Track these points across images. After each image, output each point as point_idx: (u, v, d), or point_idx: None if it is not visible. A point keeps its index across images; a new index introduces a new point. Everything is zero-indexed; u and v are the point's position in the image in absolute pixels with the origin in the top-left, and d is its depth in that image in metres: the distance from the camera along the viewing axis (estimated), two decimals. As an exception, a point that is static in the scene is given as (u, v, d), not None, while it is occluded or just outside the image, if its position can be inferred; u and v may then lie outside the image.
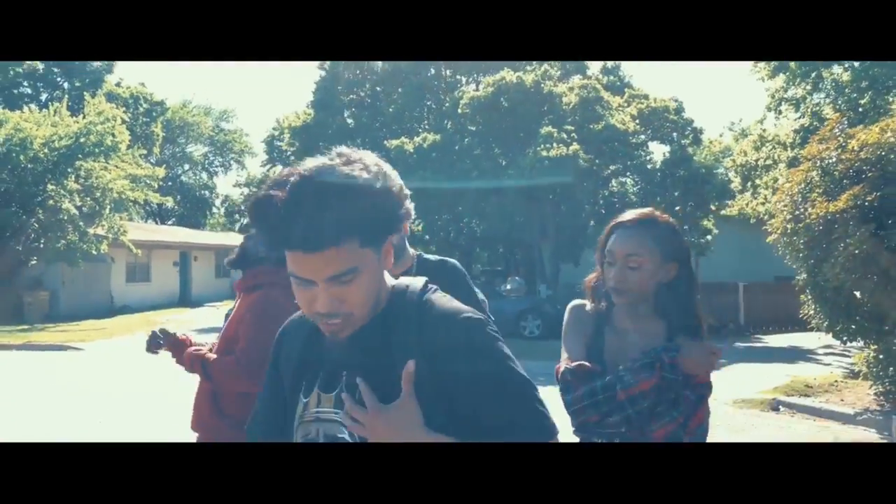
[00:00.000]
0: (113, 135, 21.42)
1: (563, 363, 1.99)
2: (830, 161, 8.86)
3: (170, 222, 43.91)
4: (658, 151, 20.04)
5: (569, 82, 20.43)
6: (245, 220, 50.98)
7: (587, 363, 1.94)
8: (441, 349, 1.22)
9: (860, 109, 11.25)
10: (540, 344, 14.58)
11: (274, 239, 1.18)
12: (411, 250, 2.67)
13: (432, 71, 24.72)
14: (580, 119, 17.74)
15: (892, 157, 8.20)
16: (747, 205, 15.12)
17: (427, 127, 22.96)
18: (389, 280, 1.34)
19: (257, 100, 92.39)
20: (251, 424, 1.46)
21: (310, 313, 1.25)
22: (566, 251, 19.33)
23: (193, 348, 2.88)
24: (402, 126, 23.40)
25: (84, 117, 21.26)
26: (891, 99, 9.41)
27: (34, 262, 20.67)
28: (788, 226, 9.27)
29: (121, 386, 10.24)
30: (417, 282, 1.34)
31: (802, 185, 9.22)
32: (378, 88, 25.37)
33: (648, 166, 19.21)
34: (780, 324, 17.93)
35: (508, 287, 19.31)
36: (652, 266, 1.96)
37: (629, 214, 2.06)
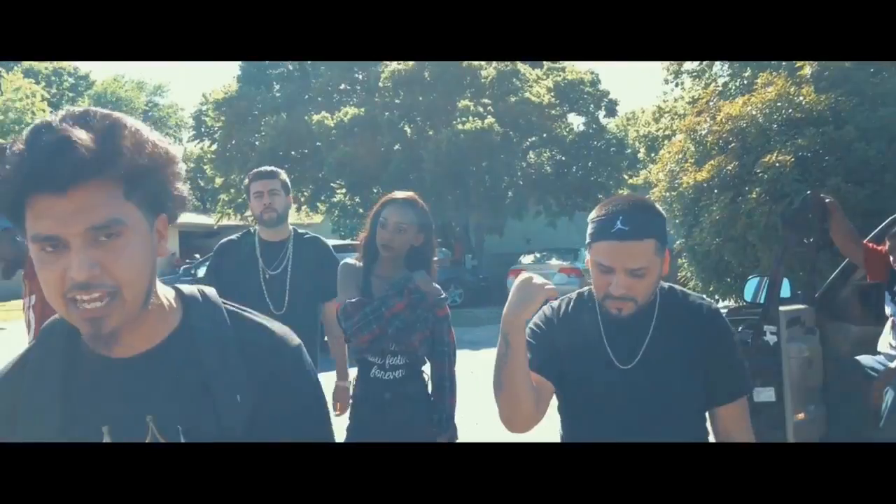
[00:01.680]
0: (33, 112, 21.12)
1: (342, 302, 2.64)
2: (703, 132, 9.49)
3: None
4: (577, 123, 20.68)
5: (490, 55, 20.81)
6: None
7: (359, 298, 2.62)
8: (268, 383, 1.05)
9: (744, 83, 11.91)
10: (461, 312, 15.11)
11: (14, 186, 0.92)
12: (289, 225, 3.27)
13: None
14: (498, 92, 18.18)
15: (751, 129, 8.83)
16: (650, 173, 15.83)
17: (355, 101, 23.12)
18: (172, 288, 1.10)
19: (191, 72, 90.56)
20: None
21: (61, 295, 0.95)
22: (490, 222, 19.90)
23: None
24: (329, 100, 23.51)
25: (1, 94, 20.90)
26: (762, 73, 10.05)
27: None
28: (666, 194, 9.93)
29: None
30: (206, 289, 1.12)
31: (679, 156, 9.87)
32: (308, 64, 25.37)
33: (569, 138, 19.80)
34: (684, 285, 18.92)
35: (434, 258, 19.83)
36: (411, 232, 2.63)
37: (399, 194, 2.75)
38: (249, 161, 23.91)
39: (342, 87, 25.91)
